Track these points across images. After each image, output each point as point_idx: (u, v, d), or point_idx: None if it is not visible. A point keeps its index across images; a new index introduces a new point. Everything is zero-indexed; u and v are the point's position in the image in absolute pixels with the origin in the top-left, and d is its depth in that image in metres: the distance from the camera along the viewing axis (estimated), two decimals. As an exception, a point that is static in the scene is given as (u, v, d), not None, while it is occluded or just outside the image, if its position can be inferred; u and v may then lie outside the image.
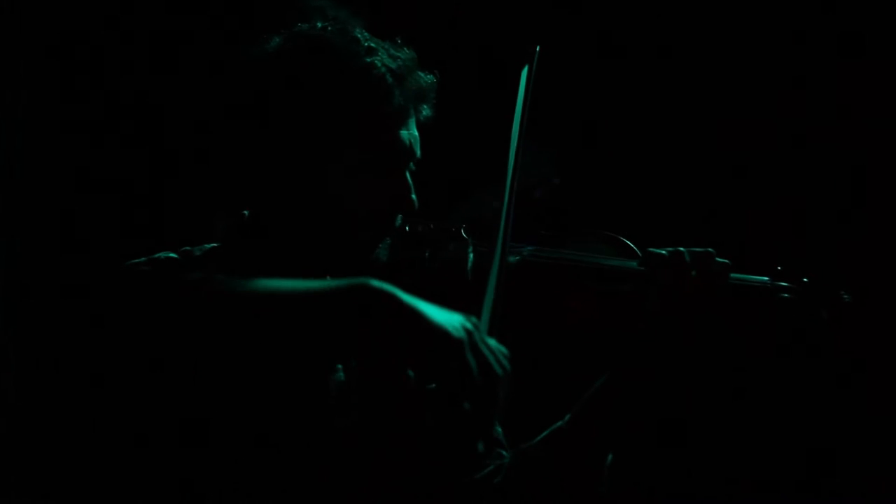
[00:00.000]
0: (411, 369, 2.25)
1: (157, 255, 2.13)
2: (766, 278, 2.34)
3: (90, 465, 2.16)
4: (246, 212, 2.25)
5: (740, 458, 3.74)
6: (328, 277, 2.20)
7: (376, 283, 1.87)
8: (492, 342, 1.88)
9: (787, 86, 3.73)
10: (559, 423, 2.30)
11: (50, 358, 3.18)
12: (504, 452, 2.34)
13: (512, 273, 2.23)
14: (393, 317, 1.85)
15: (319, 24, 2.21)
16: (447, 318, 1.85)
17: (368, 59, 2.15)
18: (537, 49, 2.19)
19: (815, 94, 3.72)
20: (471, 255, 2.26)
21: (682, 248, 2.25)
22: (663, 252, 2.25)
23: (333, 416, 2.15)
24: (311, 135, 2.14)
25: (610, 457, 2.30)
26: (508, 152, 2.13)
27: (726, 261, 2.26)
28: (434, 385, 2.26)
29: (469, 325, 1.86)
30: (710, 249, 2.26)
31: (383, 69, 2.15)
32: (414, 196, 2.20)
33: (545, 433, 2.31)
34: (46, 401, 3.20)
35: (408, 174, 2.20)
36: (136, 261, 2.12)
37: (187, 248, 2.20)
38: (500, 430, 2.37)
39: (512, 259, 2.26)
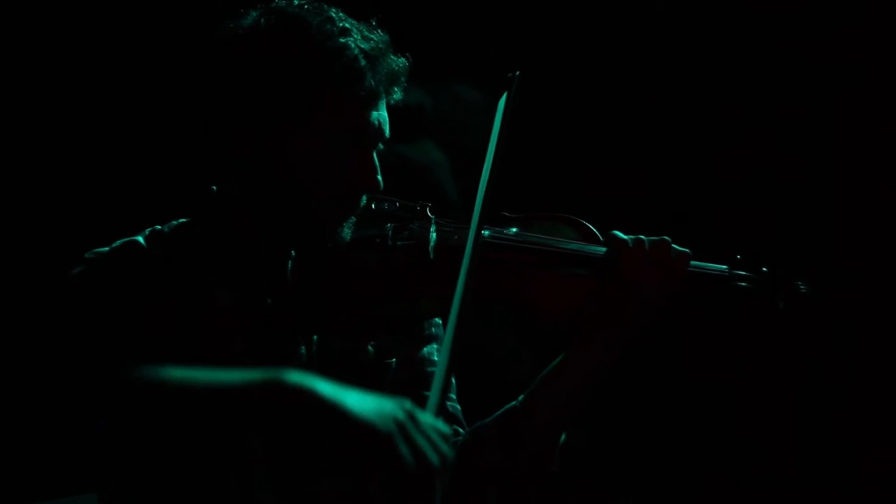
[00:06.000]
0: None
1: (118, 244, 2.16)
2: (724, 266, 2.38)
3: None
4: (214, 187, 2.28)
5: (692, 446, 3.79)
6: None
7: (293, 378, 1.82)
8: (430, 425, 1.82)
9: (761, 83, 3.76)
10: (513, 403, 2.32)
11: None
12: (460, 430, 2.36)
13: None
14: (311, 415, 1.80)
15: (296, 2, 2.23)
16: (374, 410, 1.79)
17: (342, 40, 2.17)
18: (517, 74, 2.16)
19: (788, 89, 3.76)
20: (433, 235, 2.27)
21: (642, 237, 2.30)
22: (627, 238, 2.29)
23: None
24: (281, 112, 2.16)
25: (563, 437, 2.34)
26: (479, 180, 2.08)
27: (686, 250, 2.31)
28: (393, 360, 2.29)
29: (401, 414, 1.80)
30: (665, 238, 2.30)
31: (356, 50, 2.17)
32: (380, 177, 2.22)
33: (499, 412, 2.33)
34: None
35: (374, 155, 2.23)
36: (98, 250, 2.15)
37: (158, 227, 2.23)
38: (458, 407, 2.40)
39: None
